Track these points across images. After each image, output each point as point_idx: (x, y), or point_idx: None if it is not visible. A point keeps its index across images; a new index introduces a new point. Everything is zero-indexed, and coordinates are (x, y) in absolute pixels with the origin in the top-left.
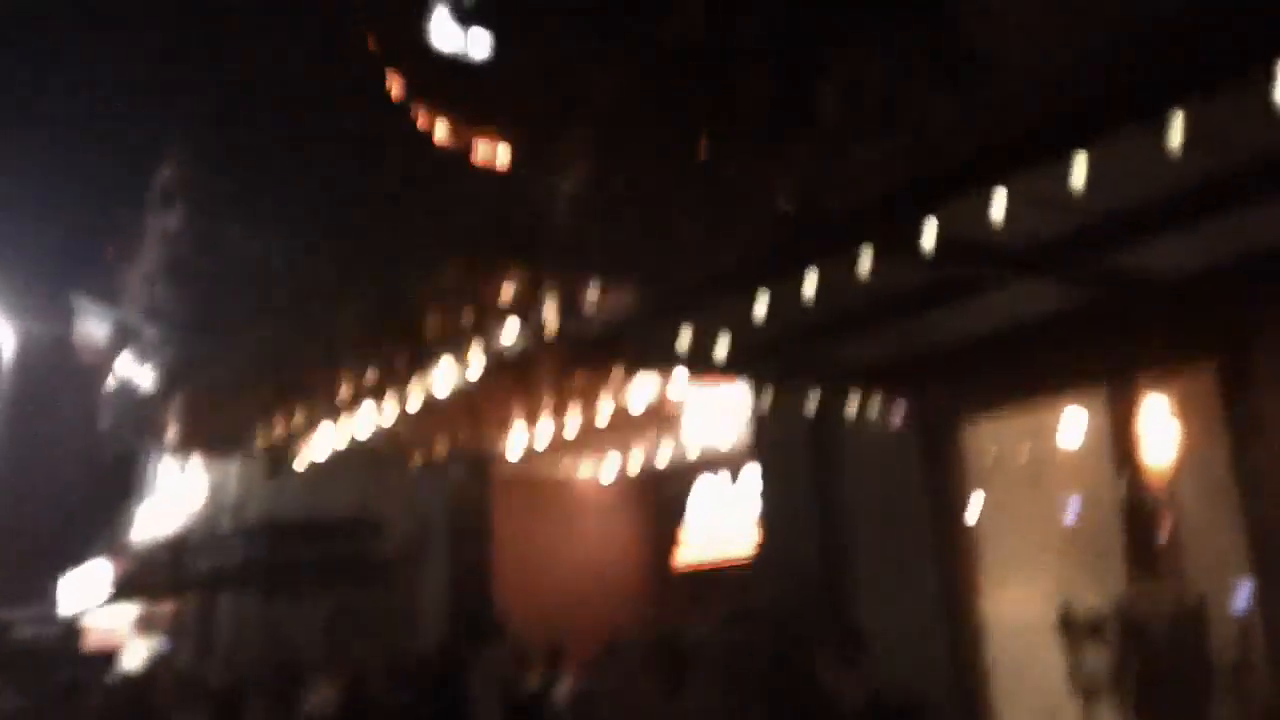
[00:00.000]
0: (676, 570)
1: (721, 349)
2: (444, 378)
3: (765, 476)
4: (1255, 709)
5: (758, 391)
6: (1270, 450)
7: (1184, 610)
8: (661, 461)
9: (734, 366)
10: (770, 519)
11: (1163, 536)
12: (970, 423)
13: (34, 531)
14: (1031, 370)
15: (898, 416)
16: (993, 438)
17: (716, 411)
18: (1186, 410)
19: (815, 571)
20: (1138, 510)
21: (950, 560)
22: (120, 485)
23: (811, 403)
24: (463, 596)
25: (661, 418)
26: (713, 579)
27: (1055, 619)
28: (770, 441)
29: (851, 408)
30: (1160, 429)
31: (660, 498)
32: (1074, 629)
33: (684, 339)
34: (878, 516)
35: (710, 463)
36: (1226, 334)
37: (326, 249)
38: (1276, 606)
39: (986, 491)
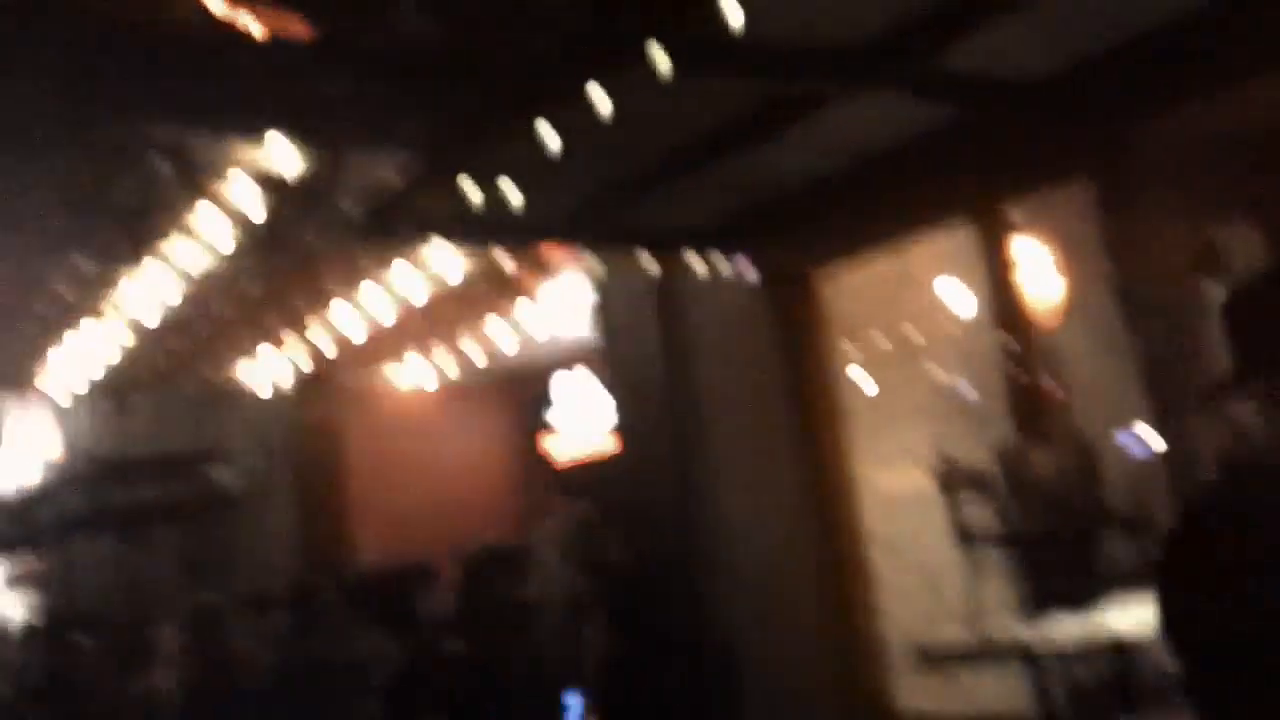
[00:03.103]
0: (548, 471)
1: (539, 214)
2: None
3: (612, 362)
4: (1149, 556)
5: (596, 268)
6: (1154, 277)
7: (1069, 459)
8: (518, 357)
9: (561, 234)
10: (621, 410)
11: (1046, 384)
12: (823, 275)
13: None
14: (887, 208)
15: (744, 277)
16: (850, 290)
17: (568, 296)
18: (1064, 238)
19: (668, 467)
20: (1018, 357)
21: (814, 433)
22: None
23: (651, 275)
24: (314, 527)
25: (511, 309)
26: (585, 477)
27: (934, 475)
28: (613, 324)
29: (694, 275)
30: (1038, 262)
31: (522, 396)
32: (954, 483)
33: (493, 203)
34: (733, 393)
35: (571, 353)
36: (1100, 143)
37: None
38: (1175, 446)
39: (850, 349)
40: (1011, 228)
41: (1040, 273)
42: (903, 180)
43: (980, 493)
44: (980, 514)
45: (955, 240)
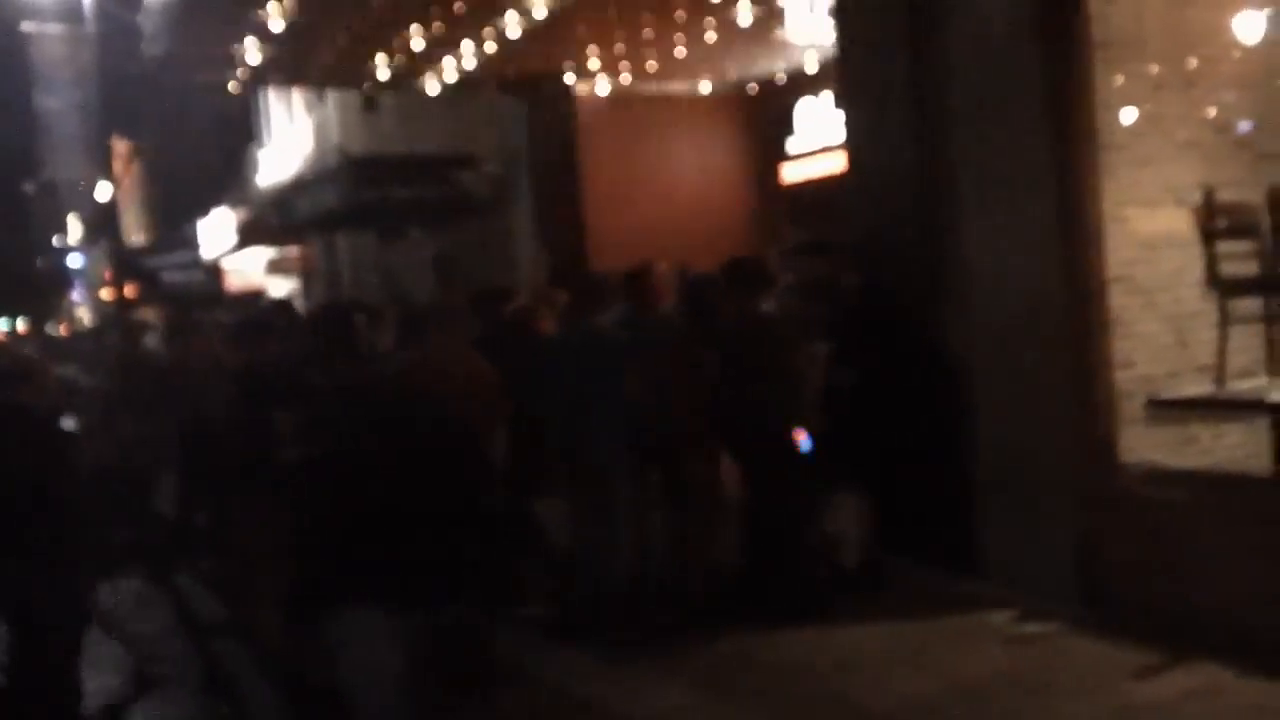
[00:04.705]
0: (780, 190)
1: None
2: None
3: (855, 76)
4: None
5: None
6: None
7: None
8: (763, 70)
9: None
10: (860, 129)
11: None
12: None
13: (170, 181)
14: None
15: None
16: (1127, 7)
17: (813, 6)
18: None
19: (907, 193)
20: None
21: (1071, 164)
22: (241, 131)
23: None
24: (552, 233)
25: (754, 19)
26: (818, 199)
27: (1197, 215)
28: (858, 34)
29: None
30: None
31: (762, 111)
32: (1217, 224)
33: None
34: (985, 116)
35: (815, 69)
36: None
37: None
38: None
39: (1119, 73)
40: None
41: None
42: None
43: (1244, 236)
44: (1241, 260)
45: None
